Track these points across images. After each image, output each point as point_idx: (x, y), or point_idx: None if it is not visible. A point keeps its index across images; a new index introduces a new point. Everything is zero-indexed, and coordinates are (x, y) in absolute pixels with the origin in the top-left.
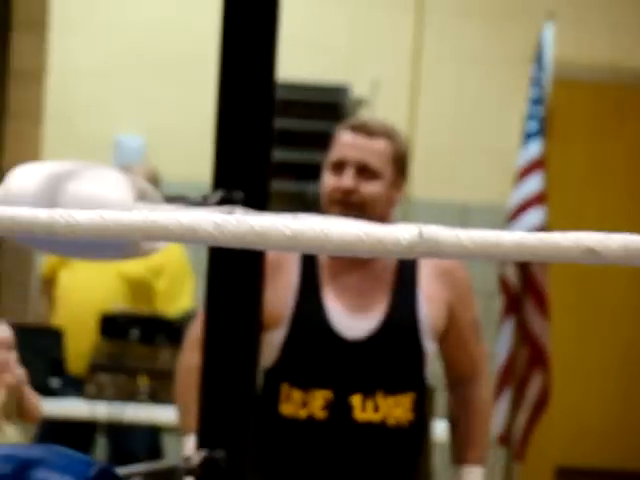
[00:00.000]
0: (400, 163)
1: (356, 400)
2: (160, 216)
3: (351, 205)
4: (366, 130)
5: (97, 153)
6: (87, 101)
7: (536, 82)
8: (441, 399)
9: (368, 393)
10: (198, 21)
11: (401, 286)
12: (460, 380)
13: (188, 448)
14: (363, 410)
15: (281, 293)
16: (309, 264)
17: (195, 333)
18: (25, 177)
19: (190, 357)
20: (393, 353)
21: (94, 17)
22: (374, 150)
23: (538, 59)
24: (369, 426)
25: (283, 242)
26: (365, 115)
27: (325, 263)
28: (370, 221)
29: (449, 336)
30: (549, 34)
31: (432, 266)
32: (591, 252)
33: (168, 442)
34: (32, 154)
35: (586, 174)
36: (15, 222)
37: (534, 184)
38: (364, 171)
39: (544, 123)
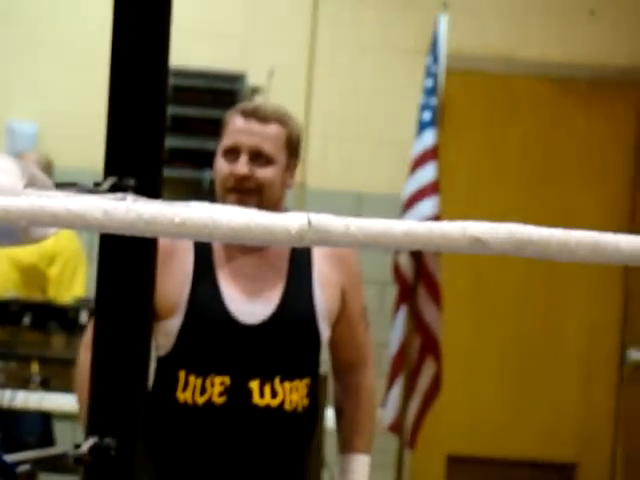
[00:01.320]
0: (293, 147)
1: (254, 385)
2: (48, 202)
3: (246, 191)
4: (259, 115)
5: None
6: None
7: (430, 72)
8: (332, 387)
9: (266, 378)
10: (91, 6)
11: (296, 271)
12: (347, 368)
13: None
14: (261, 395)
15: (176, 280)
16: (203, 250)
17: (91, 331)
18: None
19: (86, 355)
20: (290, 338)
21: None
22: (267, 135)
23: (433, 50)
24: (267, 410)
25: (172, 230)
26: (257, 100)
27: (219, 249)
28: (265, 206)
29: (339, 323)
30: (443, 25)
31: (325, 251)
32: (477, 241)
33: (60, 429)
34: None
35: (478, 163)
36: None
37: (428, 173)
38: (258, 157)
39: (438, 113)
